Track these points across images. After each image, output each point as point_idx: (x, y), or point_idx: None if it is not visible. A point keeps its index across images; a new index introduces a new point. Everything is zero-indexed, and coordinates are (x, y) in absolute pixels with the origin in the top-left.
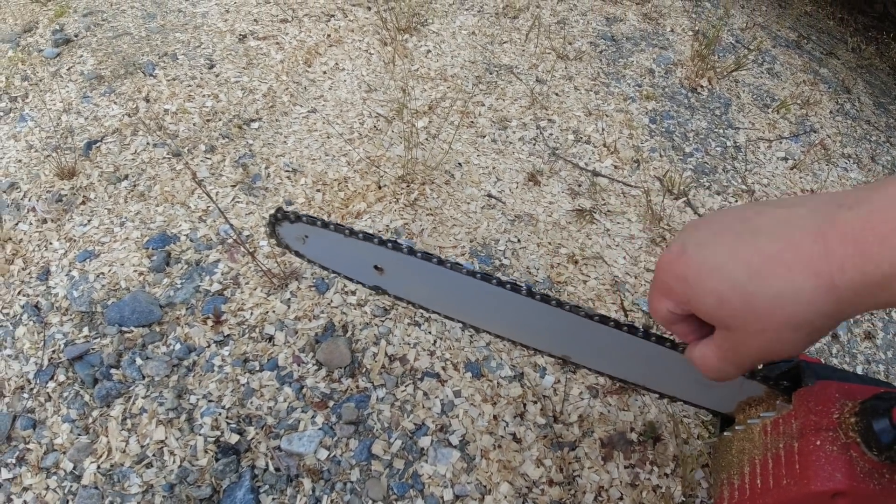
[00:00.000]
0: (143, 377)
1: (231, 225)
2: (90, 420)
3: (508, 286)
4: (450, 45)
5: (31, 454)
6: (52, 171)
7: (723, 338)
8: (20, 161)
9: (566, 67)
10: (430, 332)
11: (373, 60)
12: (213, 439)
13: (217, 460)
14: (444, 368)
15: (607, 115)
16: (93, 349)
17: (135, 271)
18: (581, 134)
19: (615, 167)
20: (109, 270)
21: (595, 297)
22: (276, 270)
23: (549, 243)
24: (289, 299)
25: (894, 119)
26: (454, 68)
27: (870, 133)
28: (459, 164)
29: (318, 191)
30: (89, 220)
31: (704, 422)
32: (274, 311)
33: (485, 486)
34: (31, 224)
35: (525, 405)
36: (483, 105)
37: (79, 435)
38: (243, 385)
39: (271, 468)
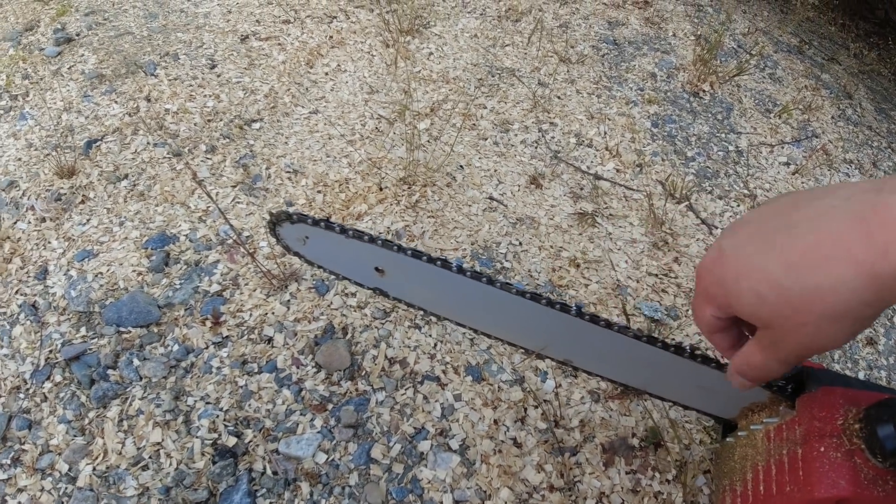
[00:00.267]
0: (141, 378)
1: (231, 225)
2: (86, 421)
3: (513, 290)
4: (452, 47)
5: (27, 455)
6: (52, 170)
7: (764, 336)
8: (20, 159)
9: (568, 71)
10: (430, 335)
11: (375, 62)
12: (211, 442)
13: (214, 463)
14: (444, 372)
15: (609, 119)
16: (90, 349)
17: (133, 271)
18: (583, 137)
19: (617, 171)
20: (108, 270)
21: (597, 300)
22: (275, 272)
23: (551, 246)
24: (288, 301)
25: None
26: (456, 70)
27: (871, 139)
28: (461, 166)
29: (319, 192)
30: (88, 220)
31: (706, 427)
32: (273, 313)
33: (485, 492)
34: (29, 223)
35: (526, 409)
36: (485, 108)
37: (75, 436)
38: (241, 387)
39: (269, 471)
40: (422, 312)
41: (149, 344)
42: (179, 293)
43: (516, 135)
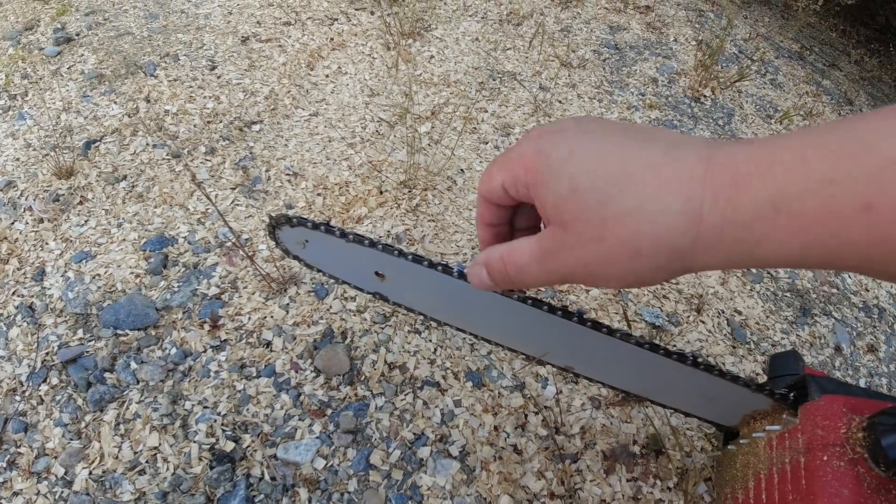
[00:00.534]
0: (138, 382)
1: (230, 228)
2: (83, 424)
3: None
4: (453, 50)
5: (22, 458)
6: (50, 171)
7: (551, 236)
8: (18, 159)
9: (570, 75)
10: (430, 340)
11: (376, 65)
12: (208, 447)
13: (212, 468)
14: (444, 377)
15: None
16: (87, 352)
17: (131, 273)
18: None
19: None
20: (106, 272)
21: (598, 306)
22: (274, 275)
23: None
24: (287, 304)
25: None
26: (457, 74)
27: None
28: (462, 170)
29: (319, 195)
30: (86, 221)
31: (707, 434)
32: (272, 317)
33: (485, 499)
34: (27, 223)
35: (526, 416)
36: (486, 111)
37: (71, 439)
38: (239, 391)
39: (267, 477)
40: (422, 317)
41: (146, 347)
42: (178, 296)
43: (517, 139)
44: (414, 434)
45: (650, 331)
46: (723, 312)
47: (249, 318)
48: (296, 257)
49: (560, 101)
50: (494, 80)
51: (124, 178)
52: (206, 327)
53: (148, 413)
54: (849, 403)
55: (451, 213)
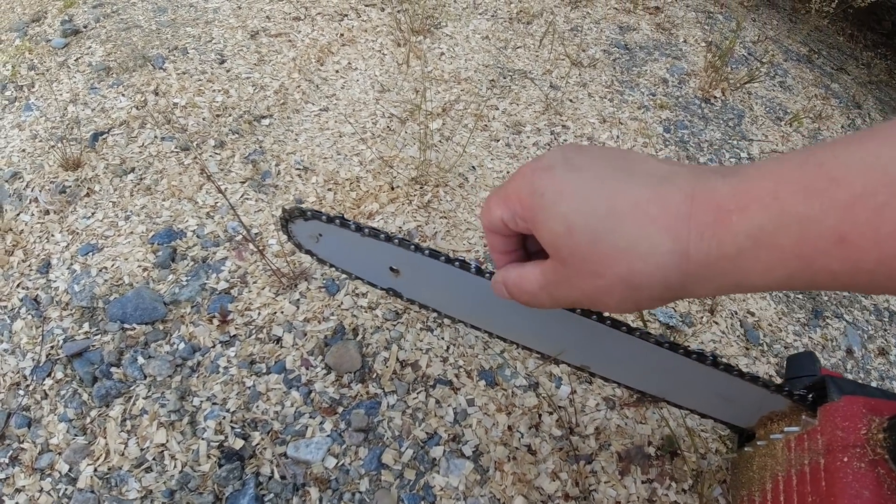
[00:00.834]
0: (145, 377)
1: (241, 221)
2: (88, 420)
3: None
4: (463, 48)
5: (26, 454)
6: (57, 162)
7: (553, 269)
8: (24, 150)
9: (580, 74)
10: (442, 338)
11: (386, 61)
12: (217, 444)
13: (220, 466)
14: (457, 376)
15: (622, 123)
16: (93, 346)
17: (139, 267)
18: (596, 141)
19: None
20: (113, 265)
21: None
22: (285, 270)
23: None
24: (298, 300)
25: None
26: (468, 71)
27: None
28: (473, 167)
29: (330, 190)
30: (93, 213)
31: (721, 436)
32: (282, 312)
33: (499, 500)
34: (32, 215)
35: (540, 416)
36: (497, 109)
37: (76, 435)
38: (249, 388)
39: (277, 476)
40: (435, 314)
41: (154, 342)
42: (186, 290)
43: (528, 137)
44: (426, 433)
45: (664, 330)
46: (736, 314)
47: (259, 314)
48: (308, 252)
49: (571, 101)
50: (505, 77)
51: (132, 170)
52: (215, 322)
53: (155, 409)
54: (868, 404)
55: (463, 210)
